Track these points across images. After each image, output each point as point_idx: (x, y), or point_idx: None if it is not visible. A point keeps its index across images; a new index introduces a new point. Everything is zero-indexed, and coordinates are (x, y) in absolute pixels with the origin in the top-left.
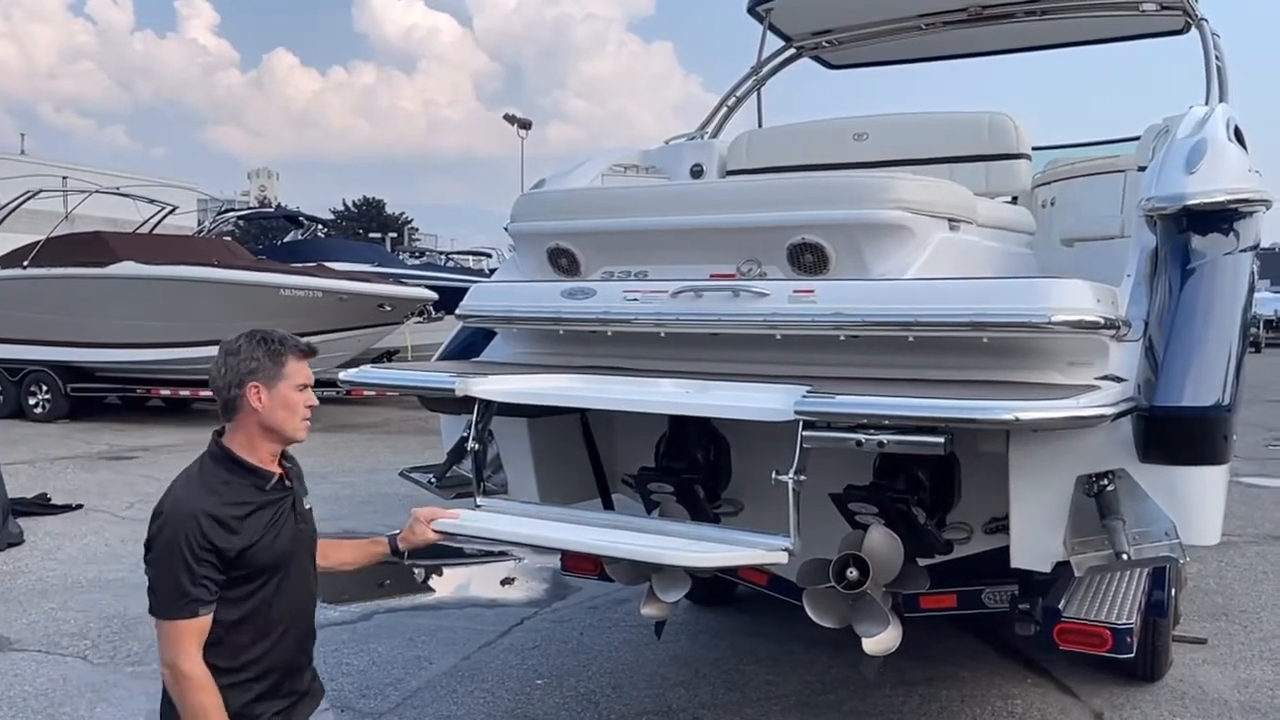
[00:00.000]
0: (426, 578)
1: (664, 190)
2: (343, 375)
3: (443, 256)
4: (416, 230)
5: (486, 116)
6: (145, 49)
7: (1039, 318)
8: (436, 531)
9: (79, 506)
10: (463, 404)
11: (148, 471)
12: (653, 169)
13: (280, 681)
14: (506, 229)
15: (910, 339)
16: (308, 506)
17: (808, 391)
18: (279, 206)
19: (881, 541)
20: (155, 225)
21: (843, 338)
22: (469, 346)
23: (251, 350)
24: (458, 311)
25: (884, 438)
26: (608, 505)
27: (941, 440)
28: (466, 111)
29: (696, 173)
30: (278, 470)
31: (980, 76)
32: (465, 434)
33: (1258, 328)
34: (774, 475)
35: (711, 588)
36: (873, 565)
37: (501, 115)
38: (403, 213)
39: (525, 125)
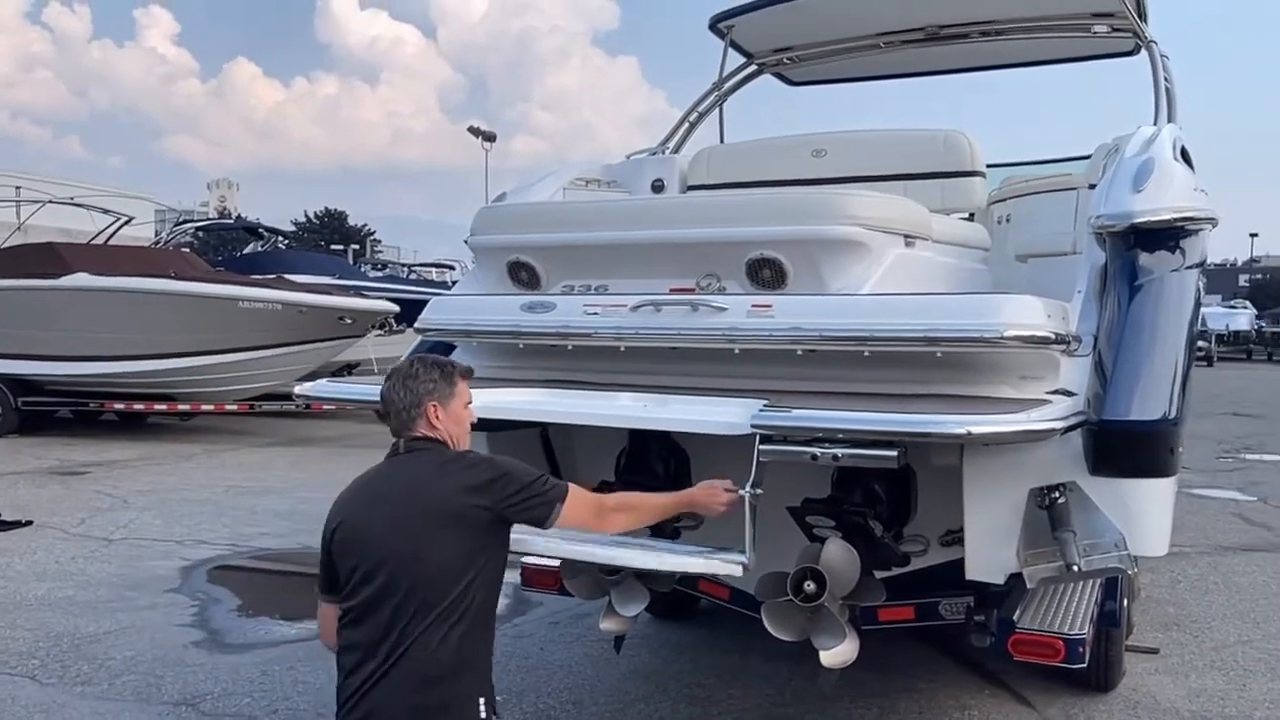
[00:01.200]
0: None
1: (624, 205)
2: (299, 389)
3: (405, 269)
4: (379, 242)
5: (450, 128)
6: (103, 57)
7: (991, 333)
8: None
9: (29, 523)
10: None
11: (99, 487)
12: (614, 183)
13: None
14: (467, 242)
15: (866, 353)
16: None
17: (764, 406)
18: (238, 218)
19: (838, 555)
20: (110, 236)
21: (800, 352)
22: None
23: (427, 373)
24: (416, 325)
25: (839, 451)
26: None
27: (895, 454)
28: (430, 123)
29: (658, 188)
30: None
31: (939, 94)
32: None
33: (1210, 342)
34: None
35: (672, 602)
36: (830, 578)
37: (466, 127)
38: (365, 224)
39: (490, 137)
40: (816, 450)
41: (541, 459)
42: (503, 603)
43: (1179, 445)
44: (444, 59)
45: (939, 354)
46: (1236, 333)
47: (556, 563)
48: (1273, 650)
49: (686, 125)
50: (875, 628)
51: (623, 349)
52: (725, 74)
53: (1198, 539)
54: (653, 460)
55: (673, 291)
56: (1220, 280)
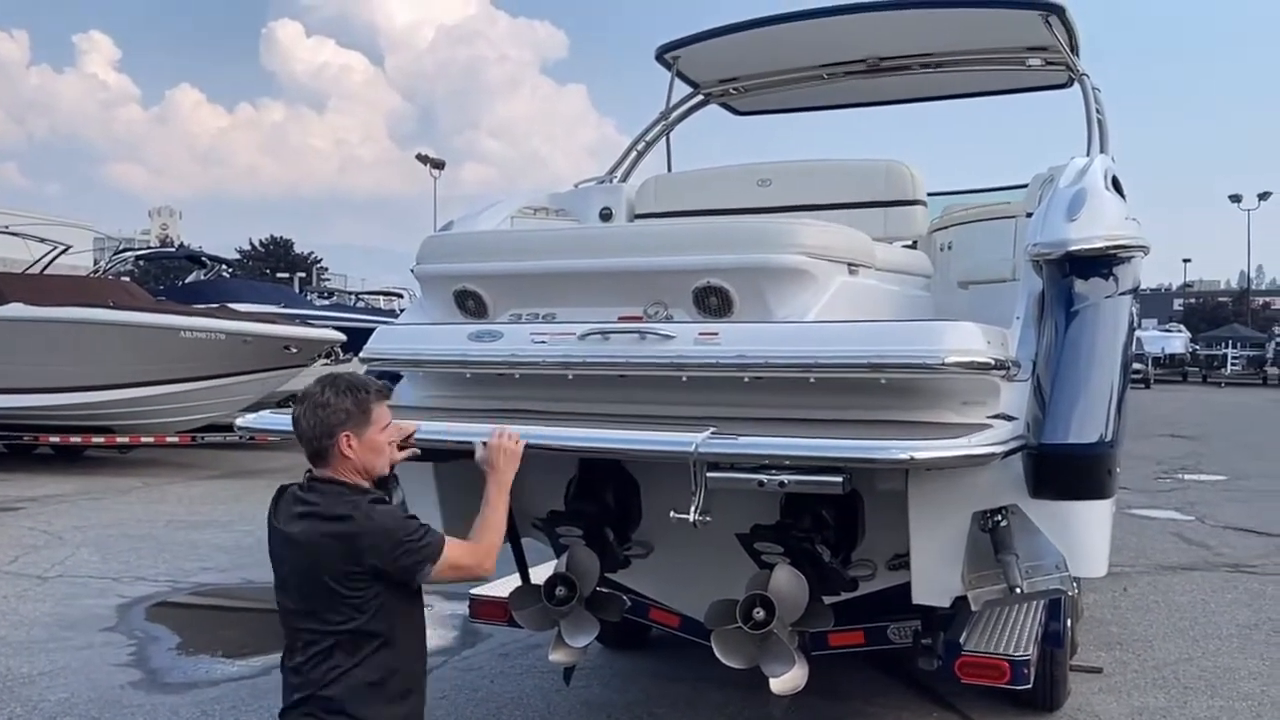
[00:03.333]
0: None
1: (571, 233)
2: (239, 421)
3: (352, 297)
4: (326, 270)
5: (399, 156)
6: (41, 83)
7: (933, 359)
8: None
9: None
10: None
11: (33, 523)
12: (562, 212)
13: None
14: (413, 271)
15: (811, 380)
16: None
17: (712, 432)
18: (181, 246)
19: (787, 581)
20: (47, 265)
21: (747, 379)
22: None
23: (339, 401)
24: (361, 354)
25: (785, 478)
26: (517, 550)
27: (840, 480)
28: (379, 151)
29: (605, 216)
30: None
31: (882, 125)
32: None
33: (1147, 365)
34: (671, 514)
35: (623, 632)
36: (778, 605)
37: (414, 155)
38: (311, 252)
39: (438, 165)
40: (763, 476)
41: None
42: (450, 635)
43: (1116, 467)
44: (393, 87)
45: (883, 380)
46: (1172, 355)
47: (504, 594)
48: (1212, 667)
49: (634, 154)
50: (825, 653)
51: (571, 377)
52: (672, 104)
53: (1138, 559)
54: (602, 489)
55: (621, 319)
56: (1155, 304)
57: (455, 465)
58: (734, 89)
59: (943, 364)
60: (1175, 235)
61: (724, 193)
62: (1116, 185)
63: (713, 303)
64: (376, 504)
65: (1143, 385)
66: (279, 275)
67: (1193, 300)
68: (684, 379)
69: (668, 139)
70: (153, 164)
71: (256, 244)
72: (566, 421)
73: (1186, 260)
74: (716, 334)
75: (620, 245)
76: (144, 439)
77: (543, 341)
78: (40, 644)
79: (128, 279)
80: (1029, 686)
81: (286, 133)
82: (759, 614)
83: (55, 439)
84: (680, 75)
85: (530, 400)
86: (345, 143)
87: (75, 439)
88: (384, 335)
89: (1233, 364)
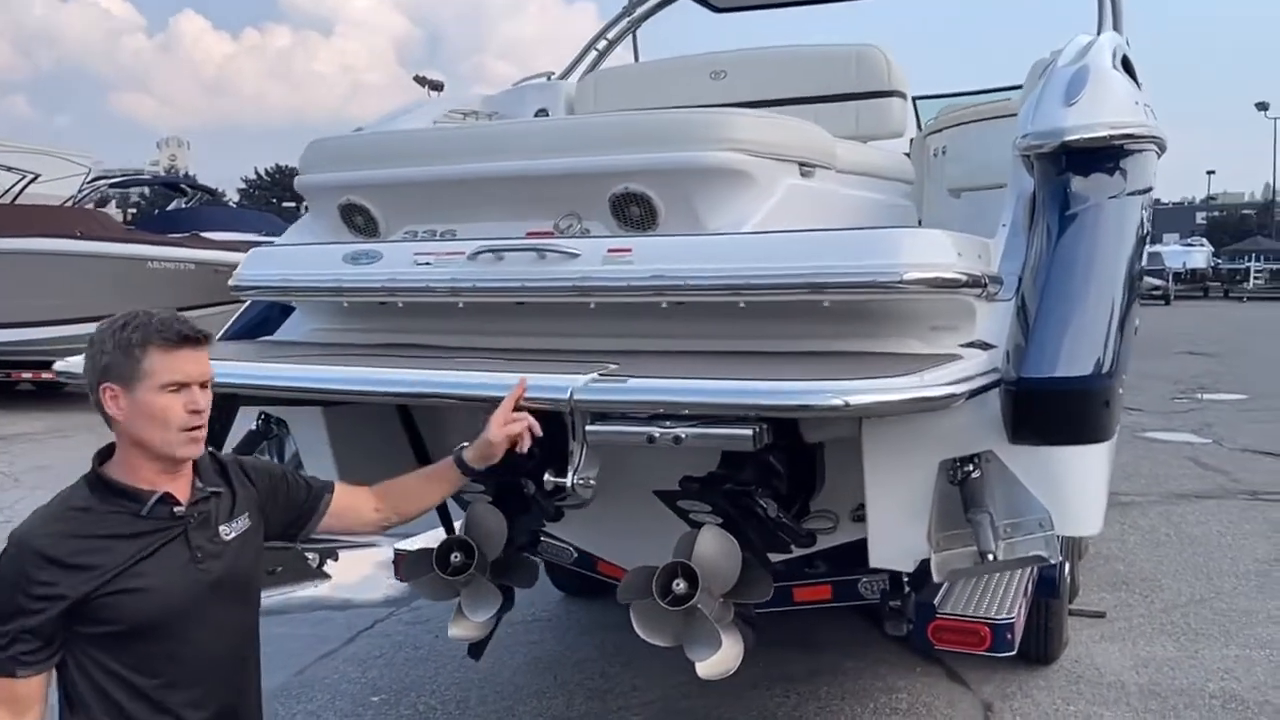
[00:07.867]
0: (321, 563)
1: (468, 133)
2: (57, 366)
3: None
4: None
5: (408, 81)
6: (46, 14)
7: (887, 275)
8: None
9: None
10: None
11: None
12: (496, 115)
13: None
14: (294, 182)
15: (741, 305)
16: (230, 534)
17: (599, 374)
18: (186, 176)
19: (713, 547)
20: (17, 195)
21: (665, 304)
22: (263, 322)
23: (103, 341)
24: (231, 282)
25: (682, 431)
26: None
27: (750, 433)
28: (388, 76)
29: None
30: (164, 490)
31: (882, 23)
32: (255, 428)
33: (1168, 280)
34: (546, 478)
35: (584, 580)
36: (702, 575)
37: (412, 77)
38: None
39: (436, 87)
40: (655, 430)
41: (395, 438)
42: (402, 585)
43: (1116, 401)
44: (399, 10)
45: (826, 303)
46: (1194, 270)
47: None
48: (1226, 610)
49: (594, 53)
50: (792, 609)
51: (462, 305)
52: None
53: (1150, 486)
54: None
55: (530, 236)
56: (1177, 218)
57: (352, 410)
58: None
59: (900, 281)
60: (1198, 146)
61: (673, 87)
62: (1127, 66)
63: (634, 213)
64: (52, 529)
65: (1163, 301)
66: (284, 205)
67: (1216, 213)
68: (592, 305)
69: (634, 37)
70: (161, 93)
71: (263, 173)
72: (428, 359)
73: (1210, 172)
74: (629, 250)
75: (524, 146)
76: None
77: (427, 263)
78: None
79: (133, 210)
80: (1012, 654)
81: (293, 59)
82: (680, 586)
83: (28, 375)
84: None
85: (415, 333)
86: (352, 68)
87: (48, 375)
88: (255, 259)
89: (1255, 278)
